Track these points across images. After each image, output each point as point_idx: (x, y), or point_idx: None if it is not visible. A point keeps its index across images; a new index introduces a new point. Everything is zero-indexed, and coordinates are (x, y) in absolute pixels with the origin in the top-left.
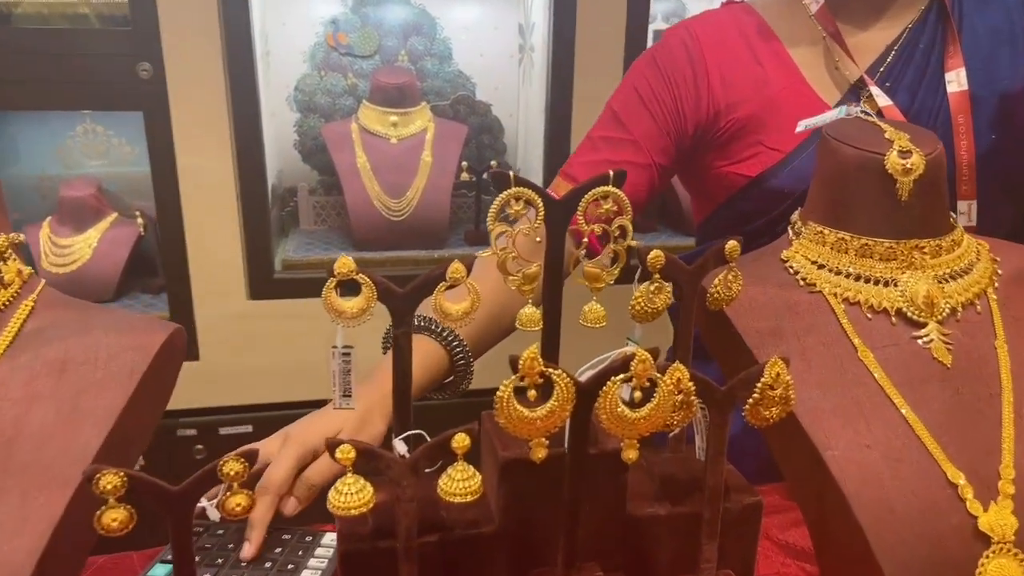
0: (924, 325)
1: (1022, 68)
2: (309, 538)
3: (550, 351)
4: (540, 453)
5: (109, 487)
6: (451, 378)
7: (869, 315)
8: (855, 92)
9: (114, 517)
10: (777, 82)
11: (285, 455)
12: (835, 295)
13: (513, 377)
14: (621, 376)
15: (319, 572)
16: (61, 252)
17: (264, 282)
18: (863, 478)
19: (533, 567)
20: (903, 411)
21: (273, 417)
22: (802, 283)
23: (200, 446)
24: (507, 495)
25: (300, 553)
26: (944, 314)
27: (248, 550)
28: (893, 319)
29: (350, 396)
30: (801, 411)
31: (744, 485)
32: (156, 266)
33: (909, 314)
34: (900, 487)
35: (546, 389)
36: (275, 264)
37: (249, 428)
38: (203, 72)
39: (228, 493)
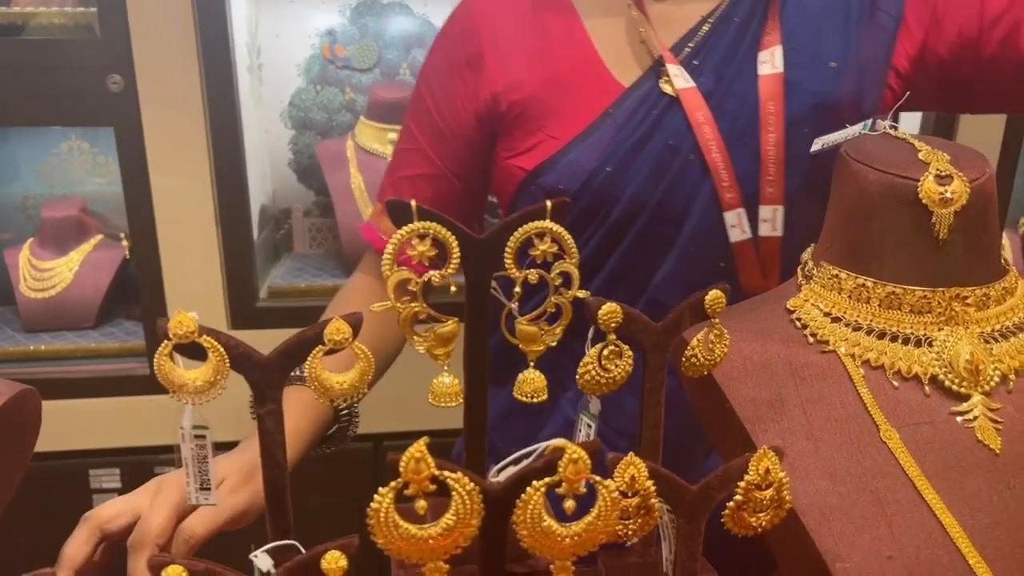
0: (967, 398)
1: (853, 49)
2: None
3: (475, 436)
4: None
5: None
6: (335, 427)
7: (896, 383)
8: (656, 71)
9: None
10: (562, 58)
11: (160, 502)
12: (853, 356)
13: (392, 484)
14: (546, 480)
15: None
16: (41, 276)
17: (246, 311)
18: None
19: None
20: (936, 511)
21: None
22: (811, 340)
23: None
24: None
25: None
26: (993, 383)
27: None
28: (926, 389)
29: (209, 489)
30: (805, 508)
31: None
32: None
33: (947, 383)
34: None
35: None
36: (260, 291)
37: None
38: (178, 85)
39: None
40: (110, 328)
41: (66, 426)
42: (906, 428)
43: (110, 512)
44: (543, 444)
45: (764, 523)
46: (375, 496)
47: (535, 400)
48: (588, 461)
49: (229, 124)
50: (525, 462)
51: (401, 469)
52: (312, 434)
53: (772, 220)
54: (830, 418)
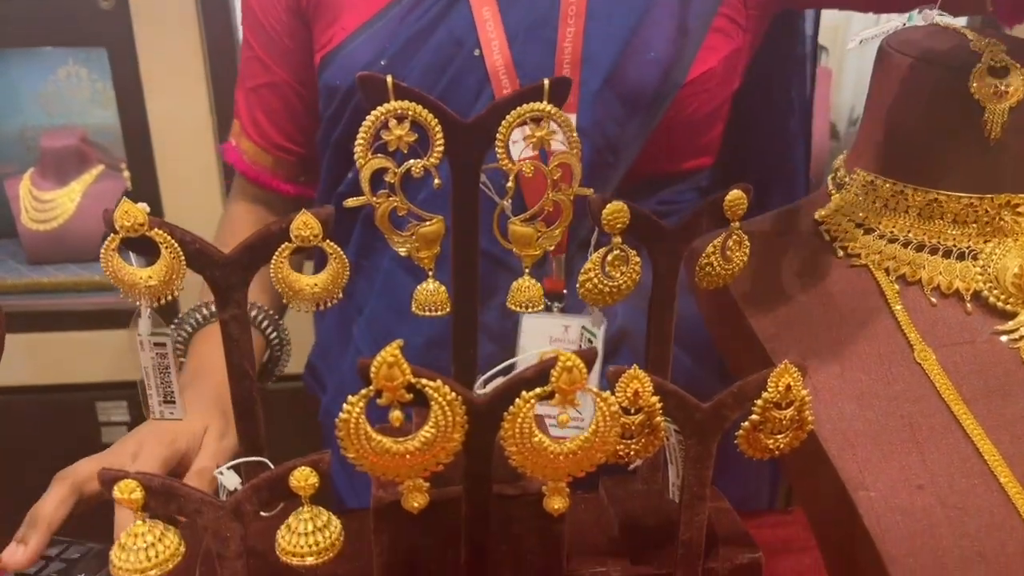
0: (1014, 315)
1: None
2: None
3: (464, 350)
4: (415, 500)
5: None
6: (266, 357)
7: (934, 299)
8: None
9: None
10: None
11: (144, 463)
12: (887, 271)
13: (363, 391)
14: (537, 391)
15: None
16: (42, 208)
17: None
18: (910, 532)
19: None
20: (974, 437)
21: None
22: (841, 253)
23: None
24: (386, 551)
25: None
26: None
27: (9, 551)
28: (968, 306)
29: (174, 402)
30: (828, 433)
31: (739, 533)
32: None
33: (992, 300)
34: (963, 549)
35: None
36: None
37: None
38: (171, 1)
39: None
40: None
41: (73, 359)
42: (943, 348)
43: (88, 472)
44: (534, 352)
45: (783, 445)
46: (344, 405)
47: (529, 310)
48: (584, 370)
49: (225, 42)
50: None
51: (372, 376)
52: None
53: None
54: (860, 337)
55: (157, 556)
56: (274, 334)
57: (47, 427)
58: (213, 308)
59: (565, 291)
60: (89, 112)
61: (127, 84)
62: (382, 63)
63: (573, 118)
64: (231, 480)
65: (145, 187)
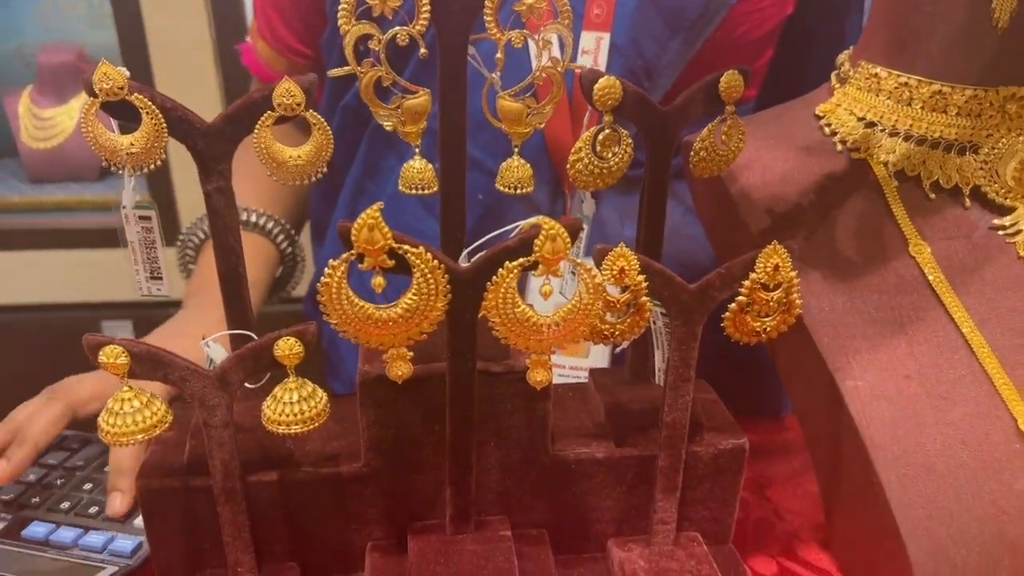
0: (1012, 210)
1: None
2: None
3: (452, 229)
4: (398, 369)
5: None
6: (279, 272)
7: (932, 194)
8: None
9: None
10: None
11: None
12: (886, 164)
13: (344, 254)
14: (520, 261)
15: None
16: (42, 125)
17: None
18: (894, 421)
19: (415, 519)
20: (964, 329)
21: None
22: (840, 147)
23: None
24: (373, 425)
25: None
26: None
27: (112, 504)
28: (967, 201)
29: (160, 278)
30: (817, 323)
31: (725, 422)
32: None
33: (991, 195)
34: (945, 436)
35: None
36: None
37: None
38: None
39: None
40: (115, 180)
41: (76, 277)
42: (939, 242)
43: (87, 393)
44: (519, 223)
45: (770, 328)
46: (325, 269)
47: (519, 191)
48: (567, 238)
49: None
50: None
51: (353, 239)
52: (265, 280)
53: (594, 52)
54: (854, 231)
55: (144, 421)
56: (289, 248)
57: (51, 346)
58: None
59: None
60: (86, 30)
61: (125, 1)
62: None
63: (607, 35)
64: (217, 352)
65: None
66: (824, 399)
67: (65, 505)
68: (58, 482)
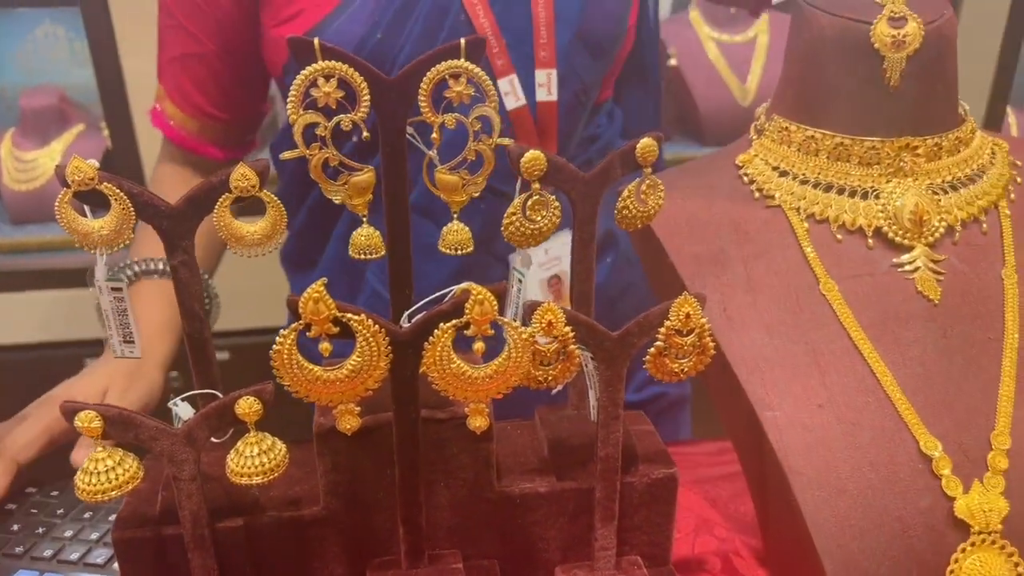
0: (910, 249)
1: None
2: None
3: (399, 288)
4: (347, 423)
5: None
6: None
7: (840, 236)
8: None
9: None
10: None
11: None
12: (798, 210)
13: (293, 324)
14: (453, 322)
15: None
16: (24, 168)
17: None
18: (808, 446)
19: (373, 557)
20: (870, 360)
21: (252, 344)
22: (758, 195)
23: (175, 373)
24: (329, 471)
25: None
26: (937, 235)
27: None
28: (870, 241)
29: (133, 342)
30: (739, 359)
31: (658, 452)
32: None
33: (891, 235)
34: (855, 460)
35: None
36: None
37: (226, 355)
38: None
39: None
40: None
41: (59, 316)
42: (846, 280)
43: (24, 440)
44: (452, 288)
45: (687, 369)
46: (277, 338)
47: (460, 252)
48: (494, 302)
49: None
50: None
51: (300, 311)
52: (175, 322)
53: (547, 84)
54: (771, 272)
55: (117, 479)
56: (205, 289)
57: (34, 385)
58: (136, 268)
59: None
60: (67, 71)
61: (102, 42)
62: (378, 36)
63: (554, 70)
64: (185, 411)
65: (124, 144)
66: (748, 427)
67: (48, 553)
68: (39, 530)
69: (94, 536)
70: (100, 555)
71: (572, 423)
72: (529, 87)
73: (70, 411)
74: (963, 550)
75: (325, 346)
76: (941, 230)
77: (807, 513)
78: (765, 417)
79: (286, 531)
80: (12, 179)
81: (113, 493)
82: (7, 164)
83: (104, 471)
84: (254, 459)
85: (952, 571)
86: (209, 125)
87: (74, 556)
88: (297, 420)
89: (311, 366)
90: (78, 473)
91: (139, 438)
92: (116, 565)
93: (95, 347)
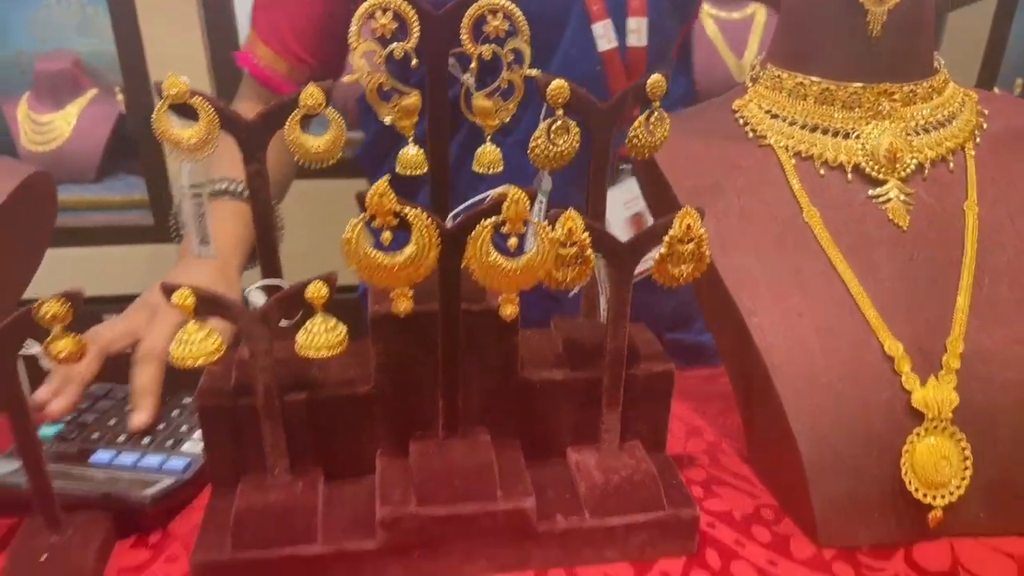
0: (884, 183)
1: None
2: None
3: (440, 200)
4: (402, 305)
5: None
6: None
7: (823, 171)
8: None
9: (61, 348)
10: None
11: (160, 324)
12: (786, 148)
13: (361, 215)
14: (492, 220)
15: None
16: (40, 130)
17: None
18: (788, 347)
19: (414, 431)
20: (845, 278)
21: None
22: (751, 135)
23: None
24: (381, 353)
25: (186, 427)
26: (909, 171)
27: (137, 419)
28: (849, 176)
29: (208, 243)
30: (729, 276)
31: (656, 353)
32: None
33: (867, 170)
34: (829, 359)
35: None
36: None
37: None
38: None
39: (51, 337)
40: (111, 182)
41: (75, 274)
42: (827, 209)
43: (110, 335)
44: (492, 191)
45: (686, 274)
46: (347, 226)
47: (491, 171)
48: (527, 202)
49: None
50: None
51: (367, 203)
52: (249, 240)
53: (638, 31)
54: (761, 202)
55: (205, 349)
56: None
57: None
58: (215, 186)
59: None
60: (80, 38)
61: (121, 8)
62: None
63: (644, 20)
64: (258, 297)
65: (140, 110)
66: (737, 335)
67: (121, 438)
68: (112, 421)
69: (160, 427)
70: (169, 440)
71: (584, 328)
72: (621, 31)
73: (168, 289)
74: (918, 434)
75: (387, 235)
76: (912, 166)
77: (786, 402)
78: (752, 323)
79: (342, 406)
80: (29, 140)
81: (201, 360)
82: (24, 126)
83: (196, 341)
84: (321, 336)
85: (907, 450)
86: (297, 68)
87: (145, 441)
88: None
89: (374, 252)
90: (173, 343)
91: (224, 316)
92: (184, 446)
93: (111, 303)
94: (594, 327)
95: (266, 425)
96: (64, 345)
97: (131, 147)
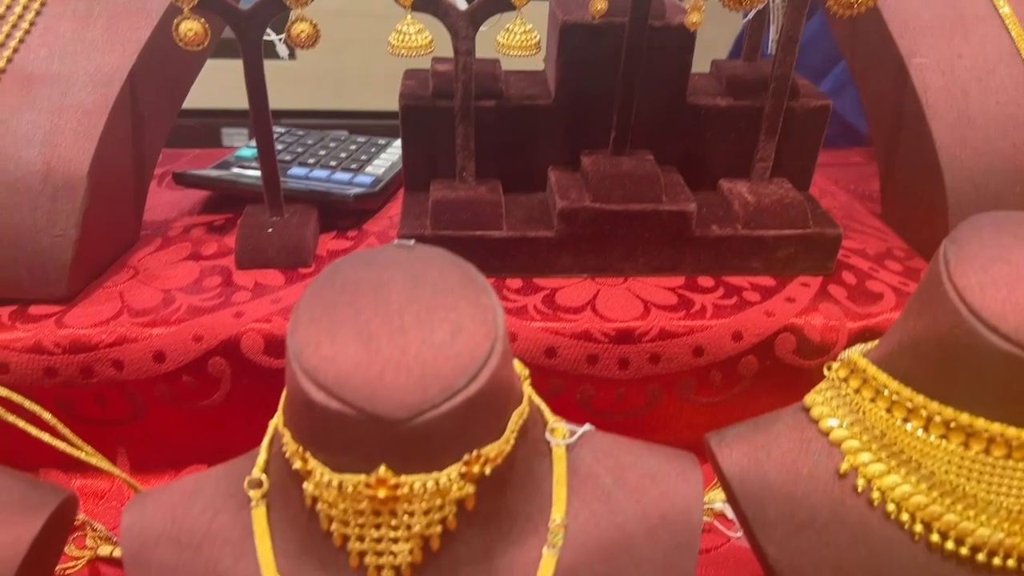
0: None
1: None
2: (382, 141)
3: None
4: (599, 6)
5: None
6: None
7: None
8: None
9: (189, 27)
10: None
11: None
12: None
13: None
14: None
15: (387, 163)
16: None
17: None
18: (946, 87)
19: (586, 147)
20: (1008, 24)
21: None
22: None
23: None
24: (565, 64)
25: (365, 156)
26: None
27: None
28: None
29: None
30: (893, 18)
31: (814, 91)
32: None
33: None
34: (984, 100)
35: None
36: None
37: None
38: None
39: (291, 21)
40: None
41: (199, 86)
42: None
43: None
44: None
45: (860, 2)
46: None
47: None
48: None
49: None
50: None
51: None
52: None
53: None
54: None
55: (418, 42)
56: None
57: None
58: None
59: None
60: None
61: None
62: None
63: None
64: (462, 4)
65: None
66: (892, 78)
67: (312, 160)
68: (300, 149)
69: (342, 154)
70: (353, 164)
71: (745, 67)
72: None
73: None
74: None
75: None
76: None
77: (937, 136)
78: (912, 64)
79: (524, 115)
80: None
81: (415, 52)
82: None
83: (412, 33)
84: (521, 36)
85: None
86: None
87: (333, 163)
88: None
89: None
90: (392, 34)
91: (436, 13)
92: (368, 168)
93: (233, 117)
94: (754, 66)
95: (460, 126)
96: (303, 28)
97: None
